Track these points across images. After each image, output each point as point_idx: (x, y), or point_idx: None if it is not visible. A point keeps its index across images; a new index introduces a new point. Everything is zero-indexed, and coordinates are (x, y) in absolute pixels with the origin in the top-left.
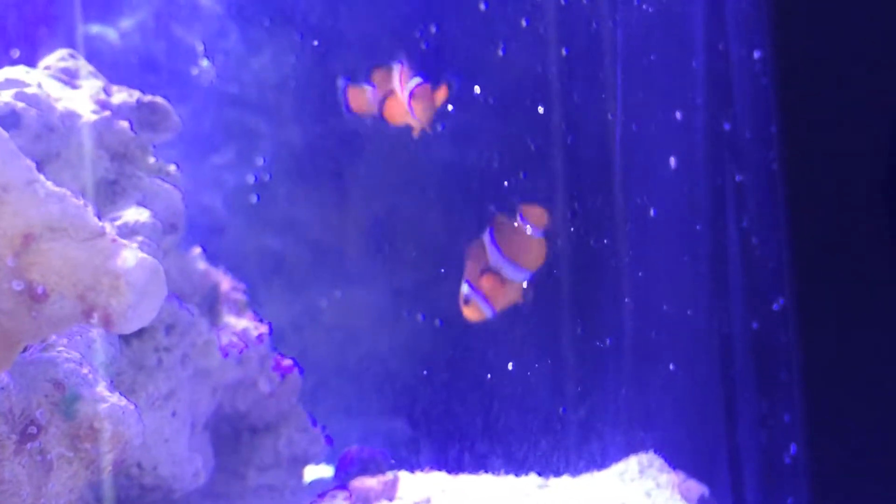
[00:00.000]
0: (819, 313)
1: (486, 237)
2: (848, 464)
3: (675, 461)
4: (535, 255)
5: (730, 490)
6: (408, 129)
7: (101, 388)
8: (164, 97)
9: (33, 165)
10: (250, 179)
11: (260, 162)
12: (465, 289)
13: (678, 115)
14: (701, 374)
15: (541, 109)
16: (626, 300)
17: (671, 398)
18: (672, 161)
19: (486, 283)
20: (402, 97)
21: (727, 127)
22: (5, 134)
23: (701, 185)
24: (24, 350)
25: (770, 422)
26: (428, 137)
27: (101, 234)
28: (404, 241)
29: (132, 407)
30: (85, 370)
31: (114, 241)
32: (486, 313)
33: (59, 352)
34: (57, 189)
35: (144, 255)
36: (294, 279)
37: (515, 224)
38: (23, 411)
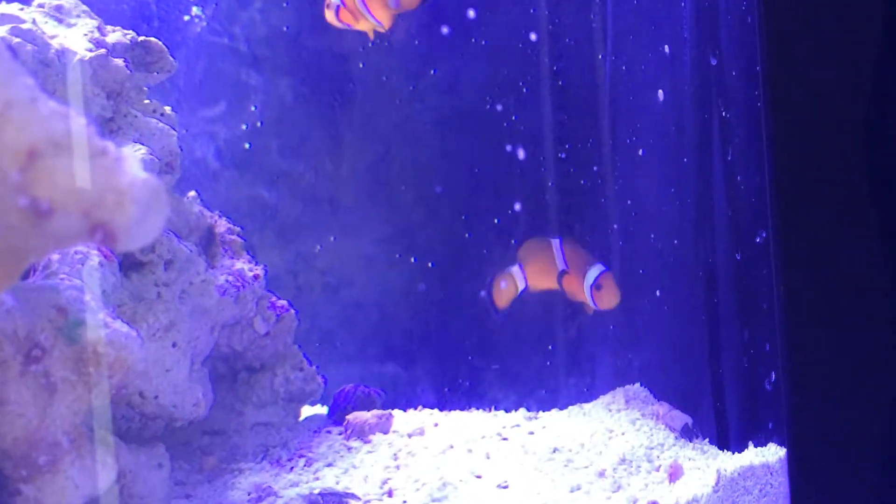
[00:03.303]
0: (799, 247)
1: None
2: (825, 388)
3: (659, 392)
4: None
5: (713, 418)
6: (399, 78)
7: (104, 315)
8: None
9: (35, 84)
10: (244, 132)
11: (253, 115)
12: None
13: (667, 48)
14: (685, 302)
15: (531, 52)
16: (615, 226)
17: (657, 323)
18: (660, 94)
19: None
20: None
21: (714, 62)
22: (6, 52)
23: (688, 118)
24: (27, 276)
25: (751, 350)
26: (420, 85)
27: (105, 152)
28: (396, 187)
29: (134, 333)
30: (87, 297)
31: (117, 159)
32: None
33: (61, 279)
34: (60, 107)
35: (147, 174)
36: (287, 228)
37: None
38: (27, 334)
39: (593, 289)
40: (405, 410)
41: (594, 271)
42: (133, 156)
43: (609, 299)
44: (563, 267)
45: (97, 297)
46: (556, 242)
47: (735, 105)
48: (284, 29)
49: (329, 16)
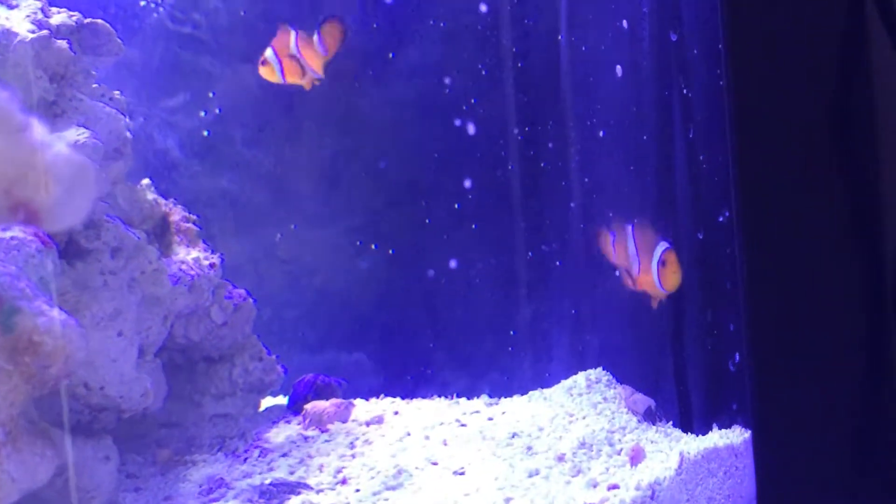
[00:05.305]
0: (762, 226)
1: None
2: (790, 369)
3: (621, 376)
4: None
5: (676, 400)
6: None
7: (41, 303)
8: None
9: None
10: (204, 121)
11: (213, 103)
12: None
13: (625, 24)
14: None
15: (490, 34)
16: (572, 205)
17: (618, 305)
18: (618, 70)
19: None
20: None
21: (674, 38)
22: None
23: (648, 95)
24: None
25: (714, 331)
26: (379, 70)
27: (27, 127)
28: (357, 174)
29: (73, 322)
30: (22, 284)
31: (41, 135)
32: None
33: None
34: None
35: (72, 152)
36: (247, 217)
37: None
38: None
39: (659, 267)
40: (367, 399)
41: (658, 250)
42: (56, 139)
43: (670, 278)
44: (635, 257)
45: (33, 284)
46: (629, 230)
47: (696, 82)
48: (241, 14)
49: (266, 72)
